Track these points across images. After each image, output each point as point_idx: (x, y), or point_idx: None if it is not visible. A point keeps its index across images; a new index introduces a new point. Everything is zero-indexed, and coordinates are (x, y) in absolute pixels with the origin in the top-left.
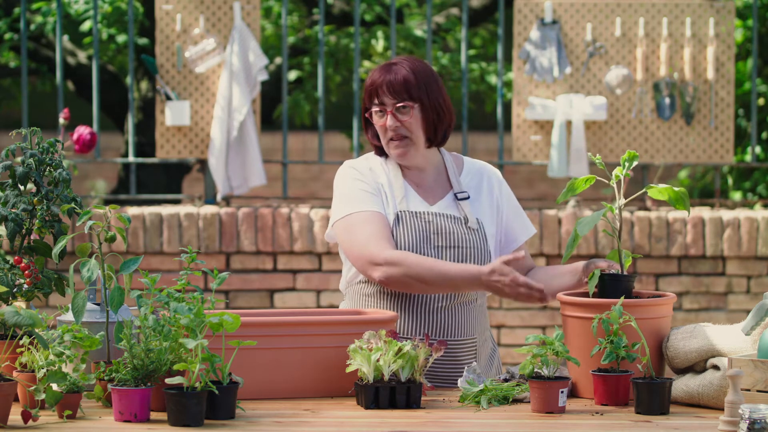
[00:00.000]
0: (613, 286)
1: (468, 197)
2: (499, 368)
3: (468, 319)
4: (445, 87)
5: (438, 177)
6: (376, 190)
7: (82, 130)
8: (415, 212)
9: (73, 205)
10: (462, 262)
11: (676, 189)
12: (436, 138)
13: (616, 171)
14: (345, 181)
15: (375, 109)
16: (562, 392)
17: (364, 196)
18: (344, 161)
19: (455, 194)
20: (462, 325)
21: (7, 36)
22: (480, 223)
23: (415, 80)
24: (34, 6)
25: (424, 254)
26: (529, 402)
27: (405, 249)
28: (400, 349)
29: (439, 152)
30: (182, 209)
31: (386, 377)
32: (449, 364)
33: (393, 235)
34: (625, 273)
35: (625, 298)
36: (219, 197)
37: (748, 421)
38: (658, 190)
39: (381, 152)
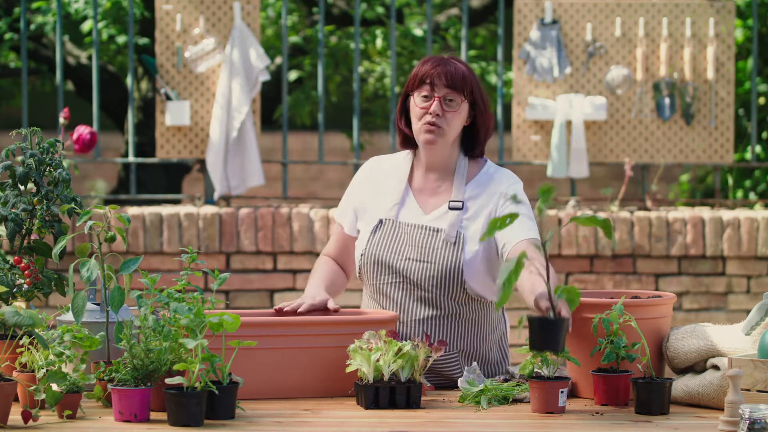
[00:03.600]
0: (543, 331)
1: (461, 208)
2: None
3: (445, 334)
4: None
5: (446, 182)
6: (356, 202)
7: (82, 130)
8: (399, 222)
9: (73, 205)
10: (431, 276)
11: (600, 217)
12: (477, 142)
13: (539, 205)
14: (353, 180)
15: (422, 93)
16: (562, 392)
17: (344, 208)
18: (345, 161)
19: (449, 203)
20: (442, 339)
21: (7, 36)
22: (459, 237)
23: (472, 79)
24: (34, 6)
25: (393, 264)
26: (529, 402)
27: (376, 256)
28: (400, 349)
29: (458, 158)
30: (182, 209)
31: (386, 377)
32: (431, 376)
33: (369, 240)
34: (556, 316)
35: (553, 350)
36: (216, 196)
37: (748, 421)
38: (582, 220)
39: (406, 144)
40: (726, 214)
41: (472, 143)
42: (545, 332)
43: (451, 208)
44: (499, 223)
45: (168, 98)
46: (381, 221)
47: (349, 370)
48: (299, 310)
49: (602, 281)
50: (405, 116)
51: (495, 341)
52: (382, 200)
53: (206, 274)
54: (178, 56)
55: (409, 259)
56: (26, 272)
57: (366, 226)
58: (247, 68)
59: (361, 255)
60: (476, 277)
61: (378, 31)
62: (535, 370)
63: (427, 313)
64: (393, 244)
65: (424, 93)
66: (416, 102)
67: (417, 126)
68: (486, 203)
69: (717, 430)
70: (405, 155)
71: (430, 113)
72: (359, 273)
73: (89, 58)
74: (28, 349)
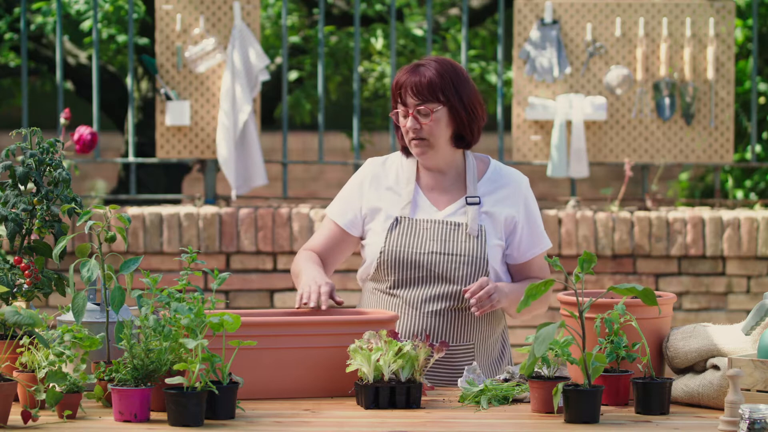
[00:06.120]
0: (580, 401)
1: (478, 203)
2: None
3: (464, 325)
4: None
5: (456, 180)
6: (360, 200)
7: (83, 131)
8: (415, 219)
9: (73, 205)
10: (457, 268)
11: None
12: (471, 138)
13: (576, 271)
14: (351, 179)
15: (399, 109)
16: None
17: (342, 205)
18: (346, 161)
19: (466, 198)
20: (457, 331)
21: (7, 36)
22: (482, 230)
23: (440, 81)
24: (34, 6)
25: (415, 259)
26: (529, 402)
27: (397, 252)
28: (400, 349)
29: (463, 154)
30: (182, 209)
31: (386, 377)
32: (445, 368)
33: (388, 238)
34: (592, 385)
35: (592, 420)
36: (234, 196)
37: (748, 421)
38: (621, 290)
39: (407, 152)
40: (726, 214)
41: (463, 137)
42: (582, 402)
43: (469, 203)
44: (535, 291)
45: (168, 98)
46: (397, 219)
47: (349, 370)
48: (323, 307)
49: (602, 281)
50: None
51: (499, 334)
52: (393, 200)
53: (206, 274)
54: (178, 56)
55: (433, 252)
56: (26, 272)
57: (380, 226)
58: (248, 68)
59: (381, 252)
60: (497, 269)
61: (379, 30)
62: (535, 370)
63: (447, 305)
64: (413, 239)
65: (401, 109)
66: (398, 119)
67: (406, 141)
68: (502, 203)
69: (717, 430)
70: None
71: (409, 129)
72: (375, 271)
73: (89, 58)
74: (29, 349)
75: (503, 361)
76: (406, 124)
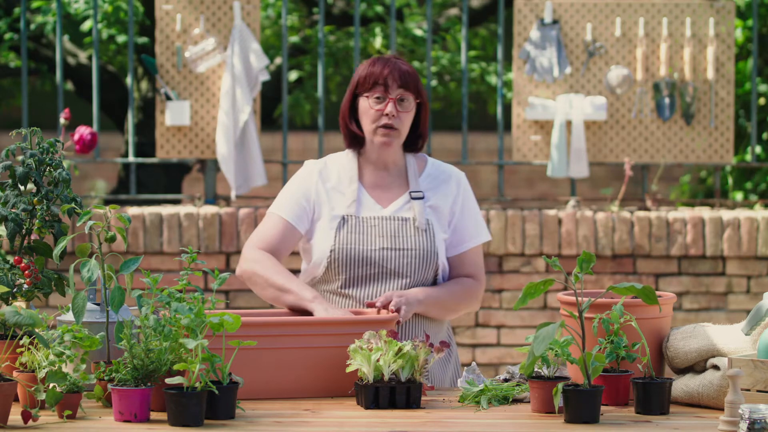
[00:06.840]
0: (580, 401)
1: (422, 197)
2: (456, 371)
3: (416, 321)
4: (444, 87)
5: (398, 177)
6: (307, 196)
7: (83, 131)
8: (361, 217)
9: (73, 205)
10: (408, 262)
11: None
12: (422, 139)
13: (575, 271)
14: (292, 179)
15: (375, 94)
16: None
17: (288, 201)
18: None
19: (410, 193)
20: (410, 327)
21: (7, 36)
22: (429, 224)
23: (418, 77)
24: (34, 5)
25: (366, 256)
26: (529, 402)
27: (347, 250)
28: (400, 349)
29: (403, 153)
30: (182, 209)
31: (386, 377)
32: None
33: (336, 237)
34: (592, 385)
35: (592, 420)
36: (233, 196)
37: (748, 421)
38: (620, 290)
39: (353, 144)
40: (726, 214)
41: (414, 137)
42: (582, 402)
43: (413, 198)
44: (533, 290)
45: (168, 98)
46: (344, 218)
47: (349, 370)
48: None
49: (602, 281)
50: (353, 117)
51: (446, 330)
52: (338, 199)
53: (206, 274)
54: (178, 56)
55: (383, 248)
56: (26, 272)
57: (327, 225)
58: (247, 68)
59: (331, 251)
60: (444, 263)
61: (377, 29)
62: (535, 370)
63: None
64: (362, 237)
65: (377, 94)
66: (370, 104)
67: (370, 128)
68: (444, 197)
69: (717, 430)
70: (347, 154)
71: (386, 115)
72: (324, 272)
73: (89, 58)
74: (28, 349)
75: (451, 357)
76: (386, 107)
